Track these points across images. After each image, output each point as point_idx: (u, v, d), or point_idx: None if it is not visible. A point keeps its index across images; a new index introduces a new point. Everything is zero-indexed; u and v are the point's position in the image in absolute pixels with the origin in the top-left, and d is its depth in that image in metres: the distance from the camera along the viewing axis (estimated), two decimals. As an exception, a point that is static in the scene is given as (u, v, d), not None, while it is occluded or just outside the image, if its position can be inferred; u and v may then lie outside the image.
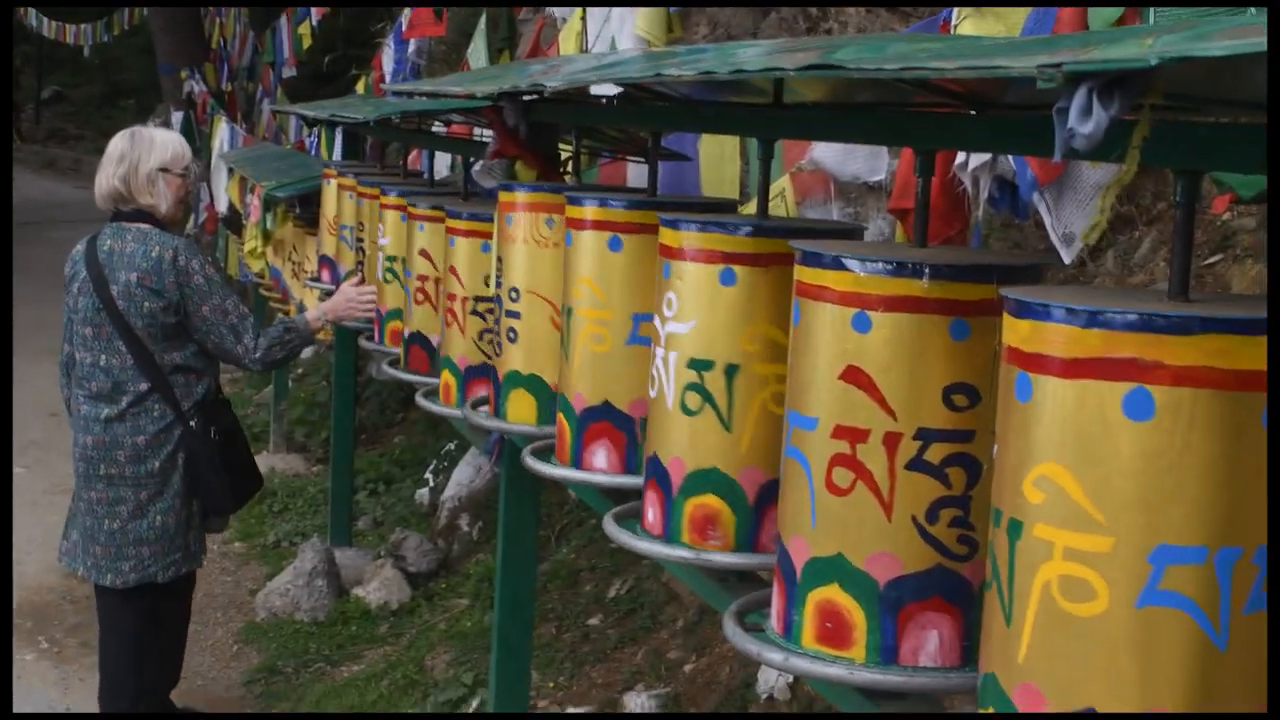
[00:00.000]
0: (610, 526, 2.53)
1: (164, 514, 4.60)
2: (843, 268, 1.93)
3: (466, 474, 6.98)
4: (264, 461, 8.85)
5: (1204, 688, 1.49)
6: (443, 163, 6.78)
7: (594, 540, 5.93)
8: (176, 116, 15.18)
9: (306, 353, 10.49)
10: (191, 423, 4.63)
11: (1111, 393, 1.50)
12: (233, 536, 7.80)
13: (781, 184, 4.10)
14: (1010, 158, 3.31)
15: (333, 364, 8.97)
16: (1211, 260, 5.19)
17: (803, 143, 3.97)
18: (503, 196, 3.33)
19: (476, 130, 5.18)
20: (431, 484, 7.49)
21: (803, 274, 2.01)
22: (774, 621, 2.06)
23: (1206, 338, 1.46)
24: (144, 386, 4.58)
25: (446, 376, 3.86)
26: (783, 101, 2.49)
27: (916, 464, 1.90)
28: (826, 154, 3.82)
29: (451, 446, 7.58)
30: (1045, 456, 1.55)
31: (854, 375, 1.92)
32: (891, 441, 1.90)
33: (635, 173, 4.88)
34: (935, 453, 1.90)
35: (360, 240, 5.45)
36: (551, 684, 5.03)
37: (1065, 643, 1.53)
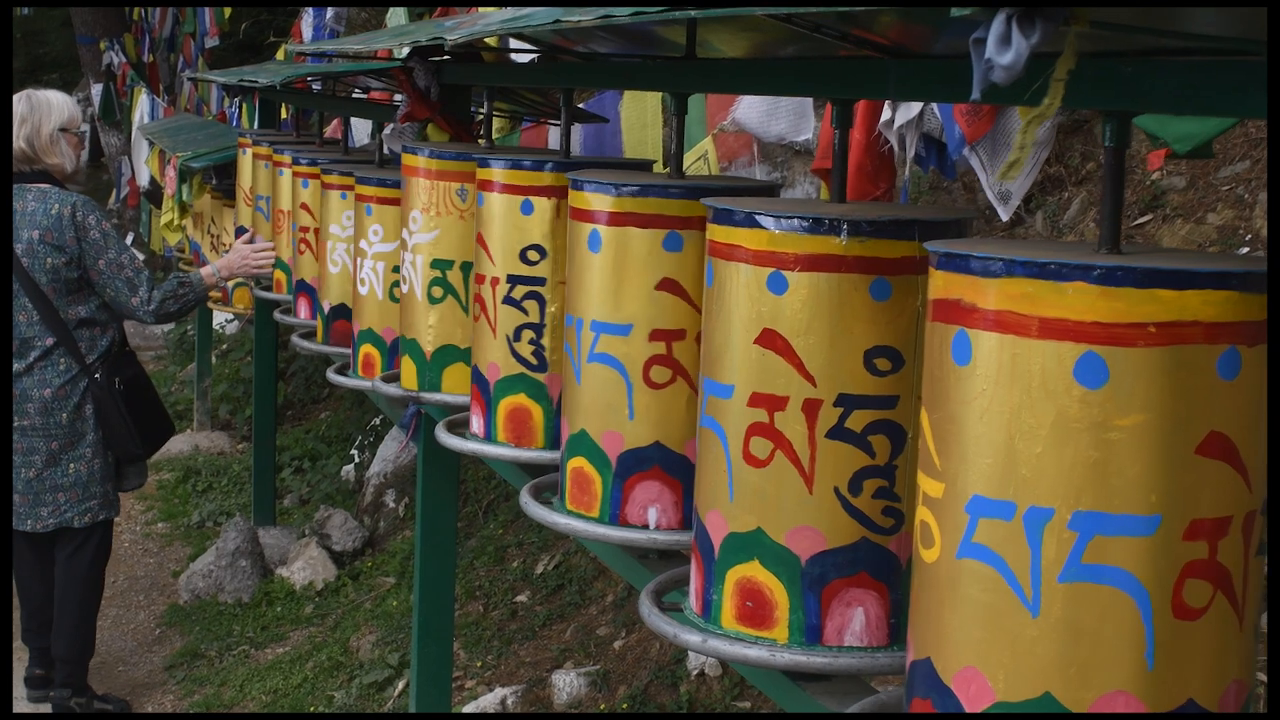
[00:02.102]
0: (527, 501, 2.41)
1: (77, 462, 4.82)
2: (756, 225, 1.82)
3: (392, 449, 6.84)
4: (188, 440, 8.69)
5: (1011, 651, 1.43)
6: (364, 130, 6.61)
7: (522, 515, 5.79)
8: (96, 89, 14.86)
9: (232, 327, 10.28)
10: (96, 375, 4.83)
11: (943, 335, 1.49)
12: (156, 517, 7.63)
13: (704, 146, 3.99)
14: (938, 114, 3.21)
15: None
16: (1141, 220, 5.13)
17: (725, 103, 3.85)
18: (407, 160, 3.19)
19: (397, 96, 5.03)
20: (357, 460, 7.34)
21: (715, 233, 1.90)
22: (692, 601, 1.95)
23: (1018, 281, 1.42)
24: (50, 341, 4.77)
25: (367, 349, 3.72)
26: (695, 55, 2.37)
27: (837, 432, 1.79)
28: (749, 114, 3.70)
29: (377, 422, 7.43)
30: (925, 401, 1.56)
31: (770, 339, 1.81)
32: (811, 409, 1.79)
33: (556, 137, 4.75)
34: (857, 420, 1.79)
35: (276, 212, 5.29)
36: (479, 663, 4.91)
37: (918, 594, 1.55)
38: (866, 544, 1.81)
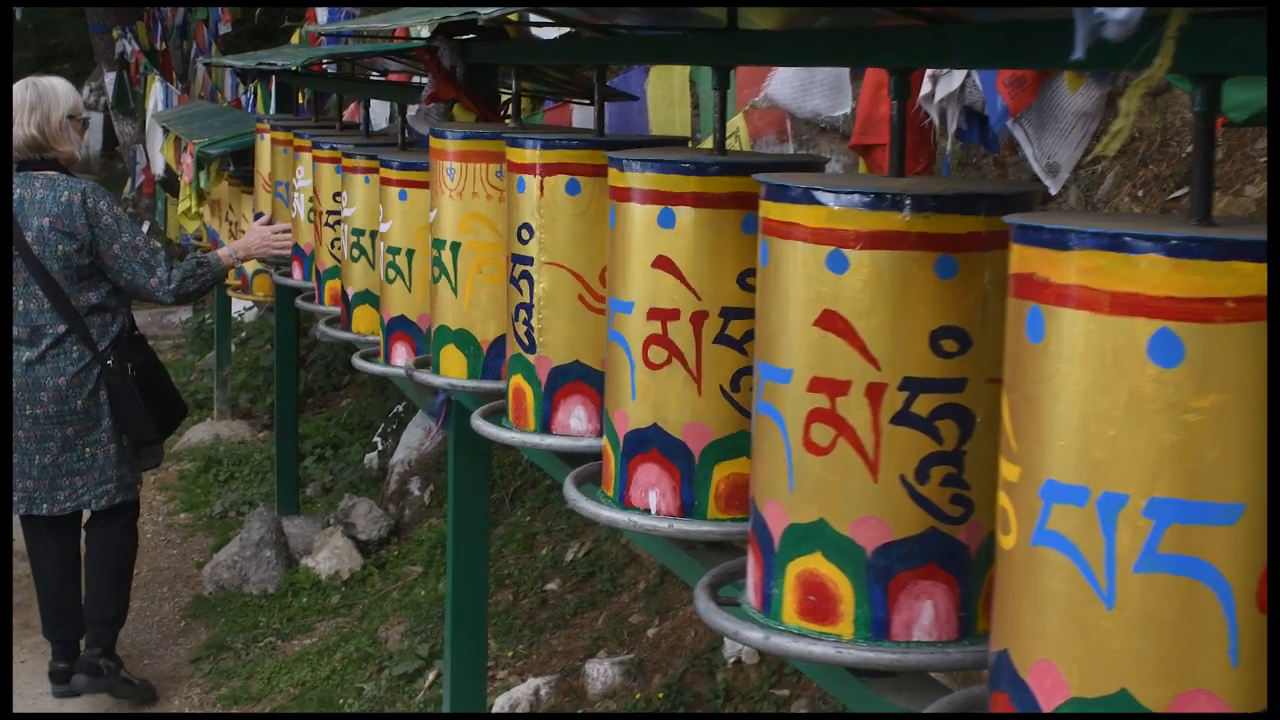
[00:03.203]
0: (571, 493, 2.32)
1: (93, 447, 4.84)
2: (815, 201, 1.73)
3: (416, 436, 6.76)
4: (208, 429, 8.63)
5: (1086, 644, 1.36)
6: (383, 114, 6.53)
7: (550, 502, 5.73)
8: (109, 78, 14.78)
9: (250, 315, 10.21)
10: (109, 361, 4.84)
11: (1018, 312, 1.44)
12: (178, 508, 7.57)
13: (735, 123, 3.90)
14: (980, 87, 3.11)
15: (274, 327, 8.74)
16: (1178, 194, 5.03)
17: (756, 79, 3.76)
18: (434, 143, 3.11)
19: (416, 77, 4.95)
20: (380, 448, 7.27)
21: (769, 210, 1.81)
22: (751, 595, 1.87)
23: (1090, 254, 1.35)
24: (61, 328, 4.77)
25: (399, 336, 3.64)
26: (736, 26, 2.28)
27: (903, 417, 1.71)
28: (783, 89, 3.61)
29: (400, 408, 7.36)
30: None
31: (831, 321, 1.72)
32: (875, 393, 1.71)
33: (580, 117, 4.66)
34: (923, 404, 1.71)
35: (308, 199, 5.21)
36: (510, 653, 4.84)
37: (998, 583, 1.51)
38: (935, 534, 1.73)
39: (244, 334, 9.95)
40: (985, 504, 1.73)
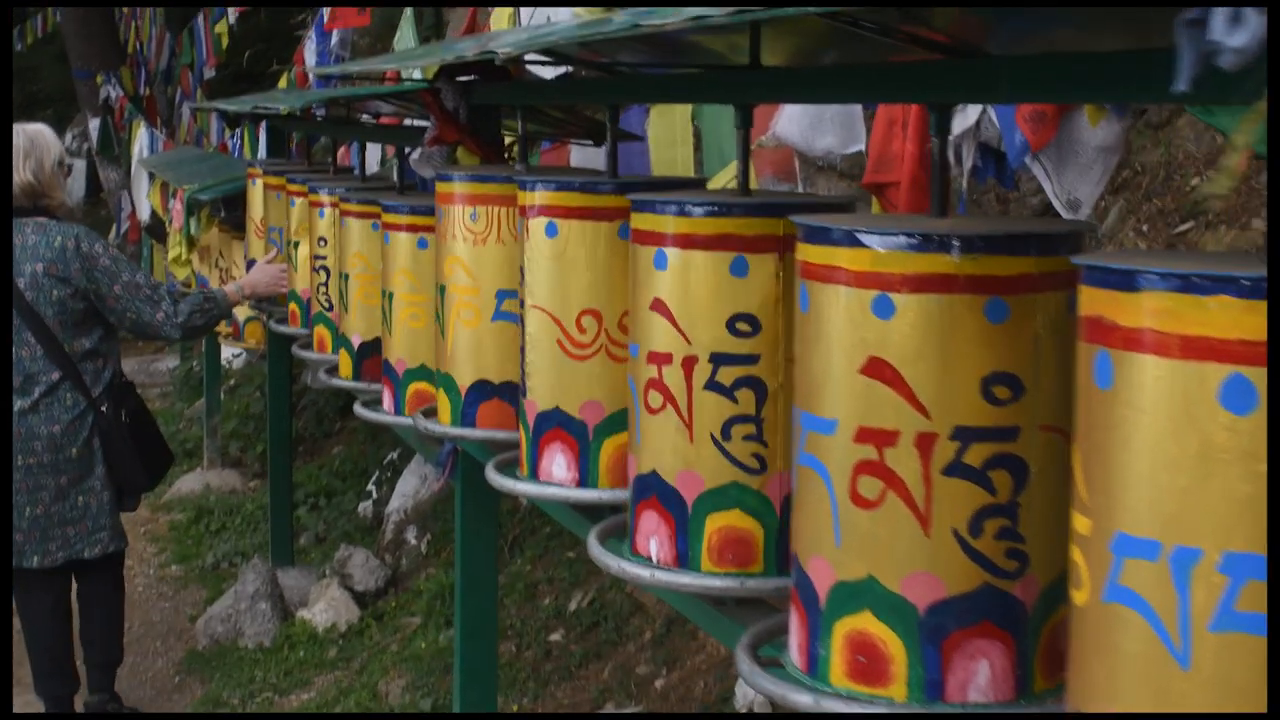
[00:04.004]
0: (596, 550, 2.23)
1: (85, 495, 4.75)
2: (858, 244, 1.66)
3: (411, 484, 6.66)
4: (199, 478, 8.52)
5: (1160, 707, 1.29)
6: (373, 157, 6.47)
7: (550, 549, 5.64)
8: (94, 123, 14.72)
9: (238, 362, 10.11)
10: (103, 407, 4.77)
11: (1087, 356, 1.37)
12: (169, 559, 7.46)
13: (741, 162, 3.82)
14: (996, 123, 3.05)
15: (266, 374, 8.63)
16: (1183, 228, 4.97)
17: (764, 117, 3.70)
18: (441, 188, 3.04)
19: (408, 119, 4.88)
20: (375, 496, 7.16)
21: (807, 253, 1.74)
22: (794, 655, 1.78)
23: (1159, 296, 1.29)
24: (55, 376, 4.68)
25: (418, 386, 3.56)
26: (760, 63, 2.21)
27: (955, 468, 1.63)
28: (791, 127, 3.54)
29: (394, 456, 7.26)
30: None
31: (877, 368, 1.65)
32: (925, 443, 1.63)
33: (579, 157, 4.59)
34: (976, 454, 1.63)
35: (292, 243, 5.13)
36: (515, 706, 4.74)
37: (1071, 640, 1.44)
38: (989, 590, 1.65)
39: (233, 381, 9.85)
40: (1040, 557, 1.67)
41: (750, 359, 2.09)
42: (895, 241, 1.63)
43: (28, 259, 4.63)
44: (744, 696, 4.14)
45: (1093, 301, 1.37)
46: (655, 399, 2.18)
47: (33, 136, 4.80)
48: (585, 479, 2.59)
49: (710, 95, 2.57)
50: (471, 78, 3.46)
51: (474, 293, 3.04)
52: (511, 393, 2.99)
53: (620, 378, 2.51)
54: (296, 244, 4.92)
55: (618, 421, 2.54)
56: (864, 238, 1.65)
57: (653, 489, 2.19)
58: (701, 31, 1.94)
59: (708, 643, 4.50)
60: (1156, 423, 1.30)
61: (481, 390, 3.04)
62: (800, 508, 1.77)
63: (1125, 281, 1.33)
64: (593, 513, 2.66)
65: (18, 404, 4.66)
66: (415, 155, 3.48)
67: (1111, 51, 1.54)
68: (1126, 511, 1.34)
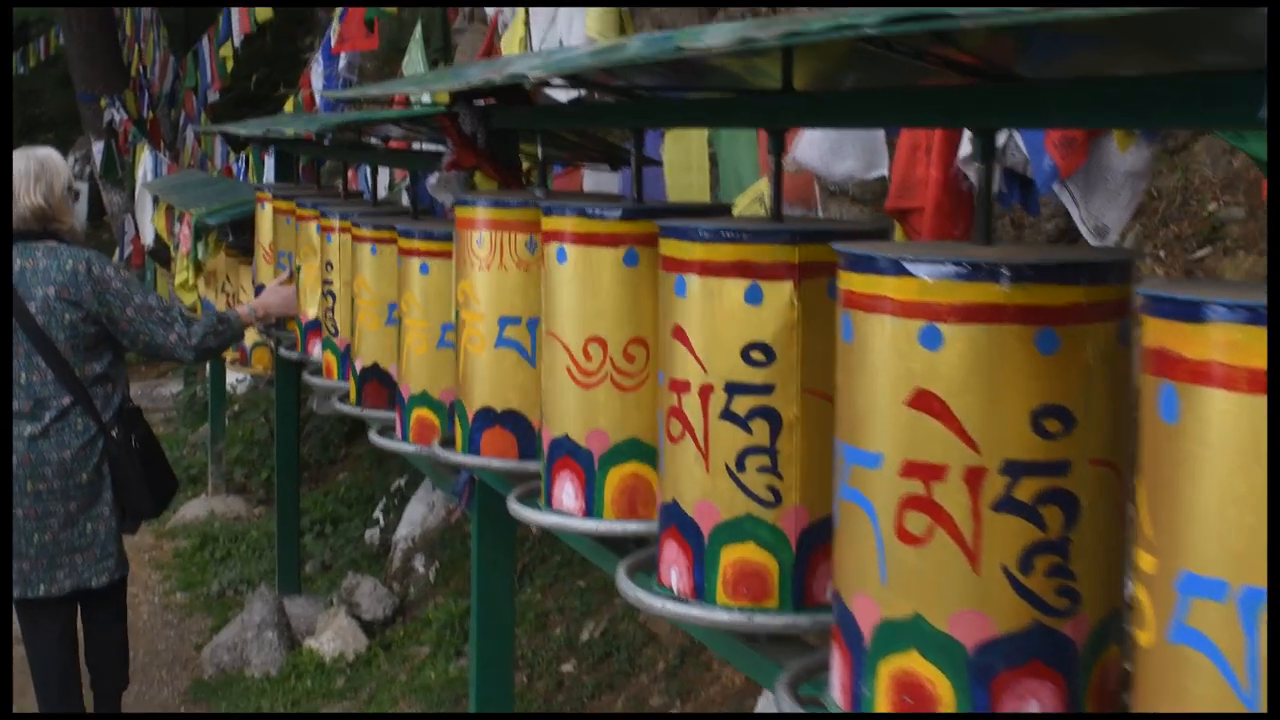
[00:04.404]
0: (625, 585, 2.18)
1: (94, 521, 4.68)
2: (905, 273, 1.61)
3: (419, 512, 6.61)
4: (203, 504, 8.47)
5: None
6: (382, 181, 6.43)
7: (560, 579, 5.58)
8: (97, 147, 14.69)
9: (243, 387, 10.07)
10: (113, 432, 4.71)
11: (1152, 389, 1.34)
12: (174, 587, 7.40)
13: (759, 188, 3.79)
14: (1023, 148, 3.01)
15: (273, 400, 8.58)
16: (1200, 254, 4.94)
17: (784, 142, 3.66)
18: (461, 213, 3.00)
19: (416, 143, 4.85)
20: (382, 524, 7.11)
21: (851, 282, 1.69)
22: (836, 694, 1.73)
23: (1226, 327, 1.25)
24: (66, 400, 4.63)
25: (421, 412, 3.52)
26: (792, 87, 2.18)
27: (1005, 503, 1.58)
28: (810, 152, 3.50)
29: (401, 483, 7.21)
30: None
31: (924, 401, 1.60)
32: (974, 478, 1.58)
33: (592, 181, 4.56)
34: (1026, 489, 1.58)
35: (299, 267, 5.10)
36: (527, 737, 4.69)
37: (1136, 682, 1.41)
38: (1039, 629, 1.60)
39: (237, 407, 9.80)
40: (1091, 595, 1.62)
41: (765, 389, 2.05)
42: (943, 270, 1.59)
43: (39, 283, 4.58)
44: (761, 728, 4.09)
45: (1157, 333, 1.32)
46: (675, 427, 2.16)
47: (42, 160, 4.76)
48: (591, 508, 2.56)
49: (741, 119, 2.53)
50: (489, 102, 3.43)
51: (480, 319, 3.02)
52: (514, 421, 2.95)
53: (626, 407, 2.50)
54: (298, 264, 4.88)
55: (623, 451, 2.51)
56: (911, 266, 1.61)
57: (673, 519, 2.17)
58: (737, 55, 1.90)
59: (722, 673, 4.45)
60: (1224, 458, 1.27)
61: (485, 418, 3.01)
62: (843, 543, 1.72)
63: (1191, 313, 1.29)
64: (612, 543, 2.62)
65: (28, 429, 4.60)
66: (433, 180, 3.44)
67: (1152, 75, 1.50)
68: (1193, 550, 1.30)
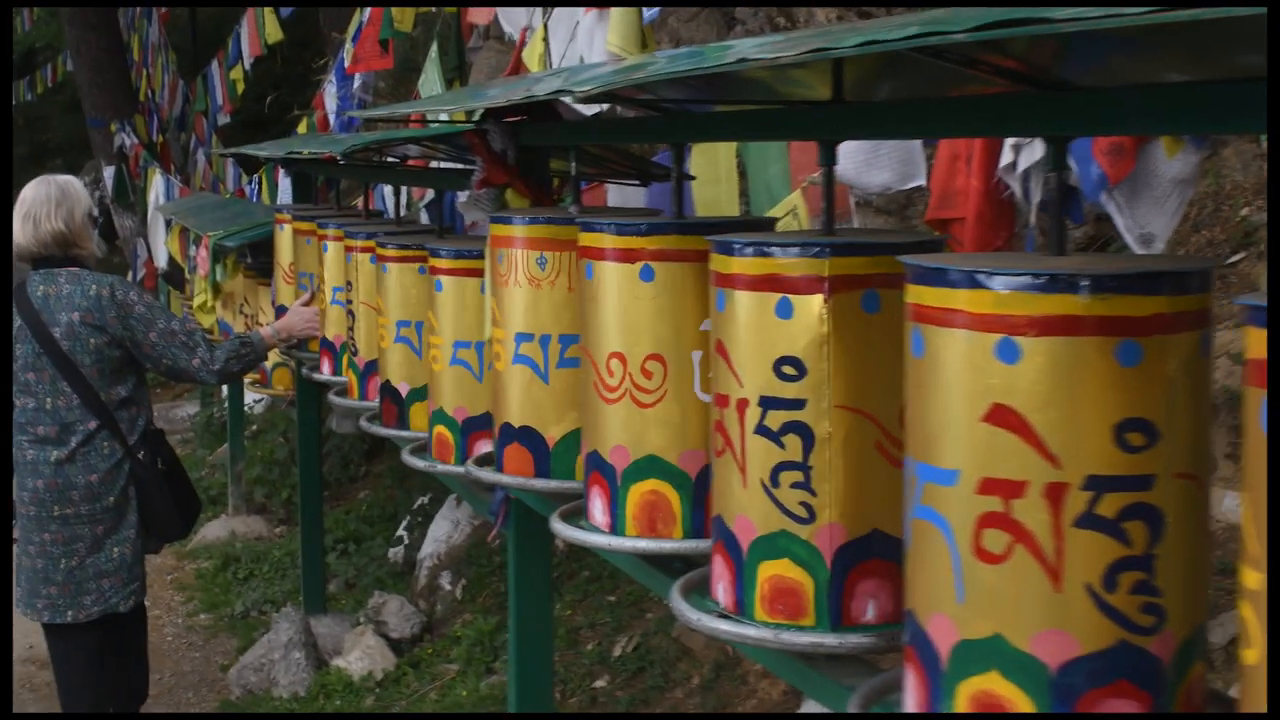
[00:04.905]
0: (714, 624, 2.13)
1: (121, 545, 4.68)
2: (979, 285, 1.58)
3: (444, 529, 6.58)
4: (224, 525, 8.44)
5: None
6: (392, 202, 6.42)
7: (590, 594, 5.55)
8: (108, 171, 14.70)
9: (260, 407, 10.04)
10: (139, 455, 4.70)
11: (1253, 402, 1.31)
12: (198, 608, 7.37)
13: (792, 201, 3.76)
14: (1071, 156, 2.98)
15: (293, 419, 8.55)
16: (1234, 259, 4.89)
17: (814, 153, 3.63)
18: (496, 230, 2.98)
19: (433, 162, 4.83)
20: (406, 541, 7.08)
21: (921, 295, 1.66)
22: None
23: None
24: (92, 425, 4.62)
25: (441, 431, 3.49)
26: (843, 98, 2.15)
27: (1087, 520, 1.55)
28: (845, 164, 3.47)
29: (425, 500, 7.18)
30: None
31: (1002, 416, 1.57)
32: (1055, 494, 1.55)
33: (617, 197, 4.53)
34: (1109, 505, 1.55)
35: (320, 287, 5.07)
36: (563, 756, 4.65)
37: (1243, 701, 1.38)
38: (1125, 647, 1.57)
39: (255, 427, 9.78)
40: (1177, 612, 1.59)
41: (796, 404, 2.02)
42: (1020, 282, 1.55)
43: (63, 308, 4.60)
44: (801, 745, 4.05)
45: (1258, 344, 1.29)
46: (719, 441, 2.15)
47: (63, 186, 4.78)
48: (615, 525, 2.54)
49: (791, 132, 2.50)
50: (519, 119, 3.40)
51: (501, 335, 3.00)
52: (530, 438, 2.93)
53: (646, 423, 2.48)
54: (335, 289, 4.86)
55: (643, 468, 2.49)
56: (985, 278, 1.57)
57: (719, 533, 2.16)
58: (800, 65, 1.87)
59: (759, 688, 4.41)
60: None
61: (505, 435, 3.01)
62: (917, 562, 1.69)
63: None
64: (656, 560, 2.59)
65: (54, 454, 4.61)
66: (463, 198, 3.41)
67: (1204, 81, 1.47)
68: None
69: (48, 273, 4.68)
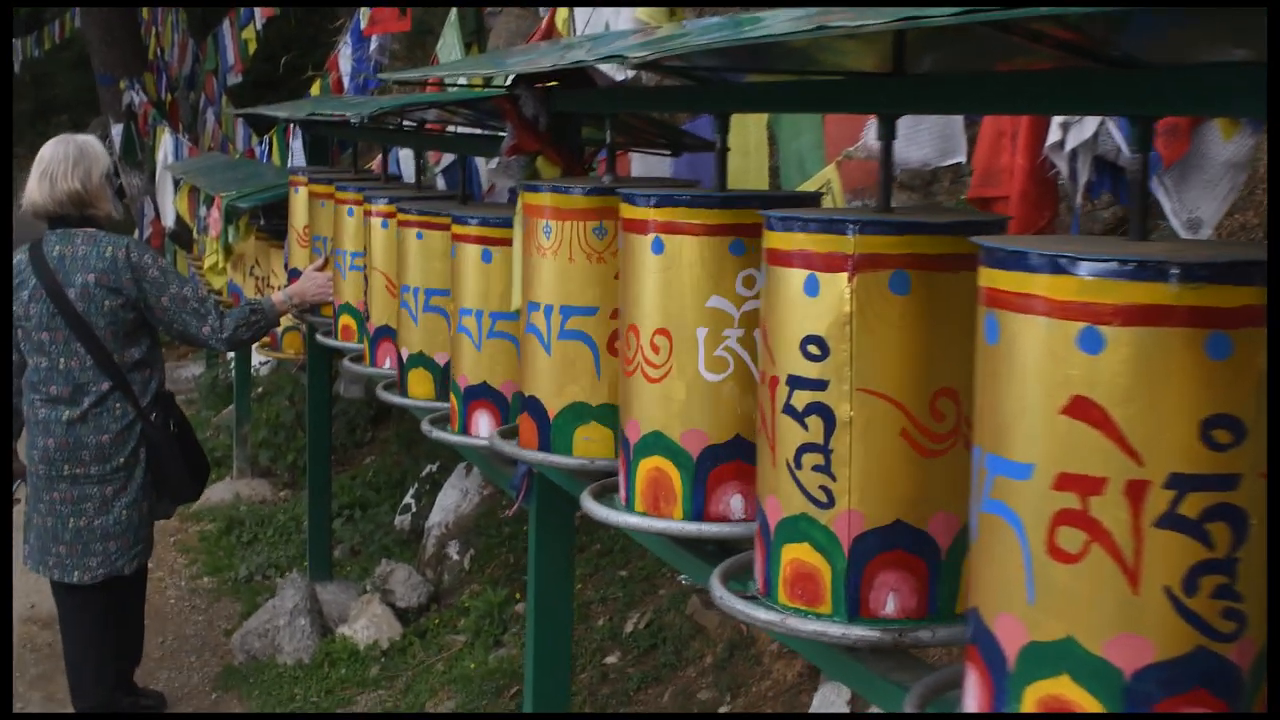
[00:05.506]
0: (730, 602, 2.07)
1: (129, 508, 4.72)
2: (1060, 270, 1.51)
3: (452, 498, 6.51)
4: (228, 488, 8.38)
5: None
6: (407, 166, 6.33)
7: (601, 568, 5.48)
8: (116, 129, 14.57)
9: (266, 369, 9.97)
10: (151, 416, 4.74)
11: None
12: (201, 571, 7.31)
13: (826, 175, 3.68)
14: (1114, 136, 2.90)
15: (299, 383, 8.48)
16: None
17: (853, 128, 3.55)
18: (541, 199, 2.89)
19: (450, 127, 4.75)
20: (414, 509, 7.01)
21: (996, 279, 1.59)
22: (974, 719, 1.63)
23: None
24: (105, 386, 4.66)
25: (452, 400, 3.43)
26: (903, 70, 2.07)
27: (1169, 520, 1.48)
28: (883, 139, 3.39)
29: (433, 468, 7.11)
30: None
31: (1082, 409, 1.50)
32: (1136, 492, 1.48)
33: (639, 167, 4.44)
34: (1192, 504, 1.48)
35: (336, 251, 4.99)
36: (574, 732, 4.59)
37: None
38: (1203, 654, 1.50)
39: (260, 389, 9.70)
40: (1258, 617, 1.51)
41: (819, 384, 1.95)
42: (1106, 268, 1.48)
43: (78, 269, 4.59)
44: (818, 728, 3.99)
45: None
46: (757, 419, 2.11)
47: (82, 146, 4.77)
48: (630, 502, 2.50)
49: (849, 104, 2.41)
50: (550, 84, 3.32)
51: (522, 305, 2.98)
52: (535, 409, 2.87)
53: (653, 397, 2.42)
54: (354, 254, 4.78)
55: (650, 444, 2.43)
56: (1068, 263, 1.50)
57: (758, 514, 2.10)
58: (876, 34, 1.79)
59: (773, 668, 4.35)
60: None
61: (517, 405, 3.00)
62: (984, 559, 1.62)
63: None
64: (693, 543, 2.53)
65: (66, 414, 4.63)
66: (493, 165, 3.33)
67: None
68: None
69: (64, 232, 4.69)
